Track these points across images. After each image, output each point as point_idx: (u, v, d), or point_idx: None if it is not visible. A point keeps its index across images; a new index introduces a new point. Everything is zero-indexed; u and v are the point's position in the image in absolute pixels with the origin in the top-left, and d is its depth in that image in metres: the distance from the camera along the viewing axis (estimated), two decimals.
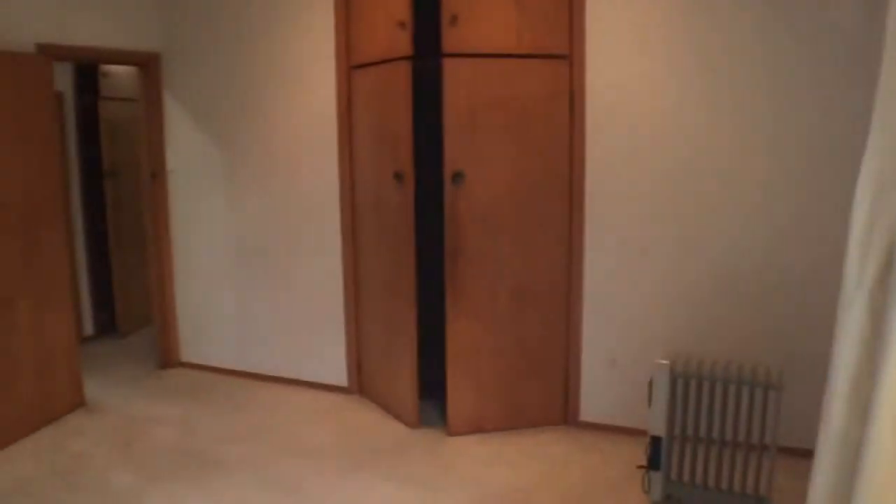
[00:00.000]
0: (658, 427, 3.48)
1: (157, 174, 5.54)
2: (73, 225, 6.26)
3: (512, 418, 4.47)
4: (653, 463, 3.53)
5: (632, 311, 4.29)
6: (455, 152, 4.20)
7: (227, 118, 5.31)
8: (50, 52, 4.61)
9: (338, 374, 5.14)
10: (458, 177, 4.19)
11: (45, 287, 4.63)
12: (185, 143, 5.50)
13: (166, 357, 5.74)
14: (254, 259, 5.35)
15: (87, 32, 4.93)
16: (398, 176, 4.32)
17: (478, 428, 4.44)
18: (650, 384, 3.47)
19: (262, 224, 5.28)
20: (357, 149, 4.85)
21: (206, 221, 5.51)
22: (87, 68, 6.36)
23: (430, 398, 4.73)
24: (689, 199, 4.09)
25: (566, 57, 4.22)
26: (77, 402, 4.91)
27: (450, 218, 4.24)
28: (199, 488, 3.88)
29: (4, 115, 4.29)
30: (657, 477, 3.53)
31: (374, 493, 3.80)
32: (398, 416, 4.67)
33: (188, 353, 5.74)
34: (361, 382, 5.11)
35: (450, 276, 4.28)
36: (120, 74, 6.59)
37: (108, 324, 6.72)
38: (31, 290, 4.52)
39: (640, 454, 3.82)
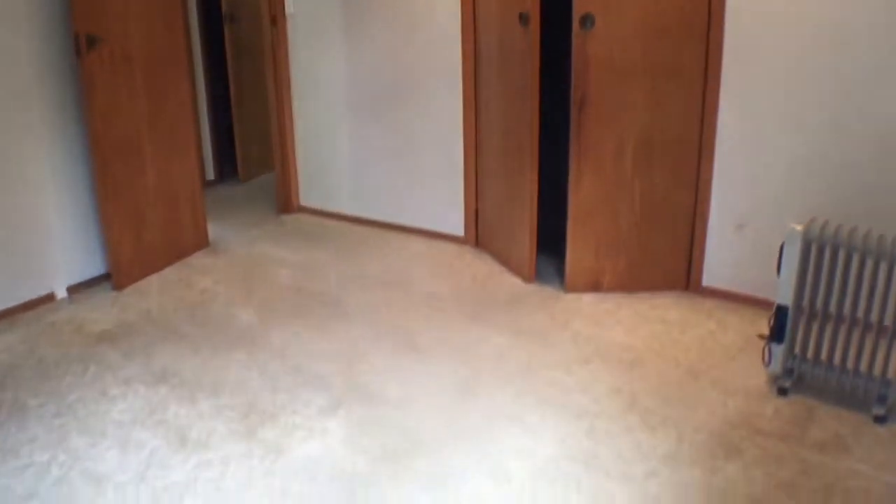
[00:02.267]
0: (785, 296, 3.28)
1: (277, 19, 5.46)
2: (195, 72, 6.30)
3: (630, 280, 4.37)
4: (775, 334, 3.35)
5: (766, 171, 4.00)
6: None
7: None
8: None
9: (455, 224, 5.12)
10: (587, 20, 3.95)
11: (170, 134, 4.71)
12: None
13: (285, 202, 5.83)
14: (373, 106, 5.29)
15: None
16: (523, 18, 4.11)
17: (595, 287, 4.36)
18: (781, 249, 3.26)
19: (382, 71, 5.18)
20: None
21: (325, 68, 5.44)
22: None
23: (548, 253, 4.67)
24: (847, 56, 3.67)
25: None
26: (201, 243, 5.06)
27: (577, 64, 4.03)
28: (318, 329, 3.97)
29: None
30: (778, 349, 3.35)
31: (486, 344, 3.80)
32: (514, 270, 4.63)
33: (307, 198, 5.82)
34: (478, 234, 5.07)
35: (575, 127, 4.11)
36: None
37: (228, 169, 6.85)
38: (157, 137, 4.61)
39: (761, 325, 3.67)
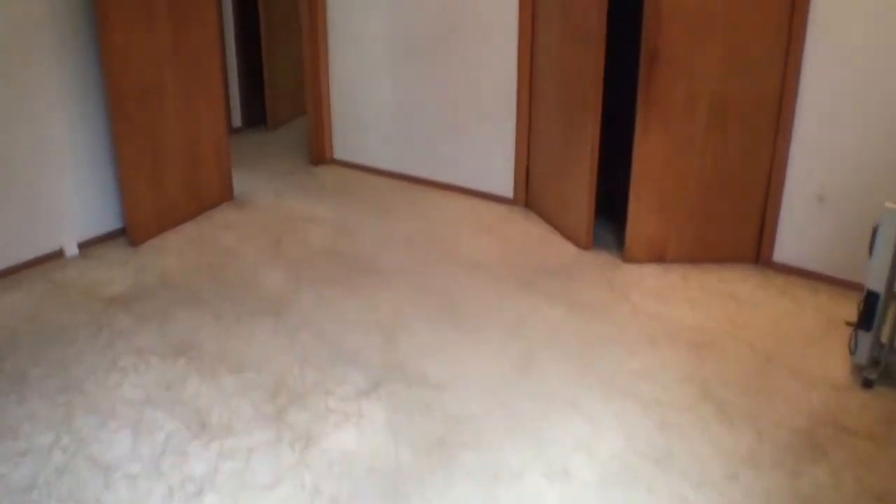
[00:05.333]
0: (877, 281, 2.89)
1: None
2: (224, 11, 5.90)
3: (696, 250, 3.95)
4: (864, 321, 2.96)
5: (853, 140, 3.54)
6: None
7: None
8: None
9: (503, 183, 4.70)
10: None
11: (194, 75, 4.31)
12: None
13: (318, 153, 5.43)
14: (416, 51, 4.84)
15: None
16: None
17: (657, 257, 3.95)
18: (874, 231, 2.86)
19: (428, 11, 4.72)
20: None
21: (364, 8, 4.99)
22: None
23: (605, 217, 4.25)
24: None
25: None
26: (226, 196, 4.68)
27: (650, 13, 3.58)
28: (353, 294, 3.60)
29: None
30: (865, 337, 2.97)
31: (538, 317, 3.41)
32: (568, 235, 4.22)
33: (341, 149, 5.41)
34: (529, 194, 4.64)
35: (644, 82, 3.67)
36: None
37: (256, 116, 6.47)
38: (180, 78, 4.21)
39: (838, 307, 3.33)
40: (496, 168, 4.68)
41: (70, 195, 3.96)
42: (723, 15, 3.59)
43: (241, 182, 4.97)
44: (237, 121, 6.31)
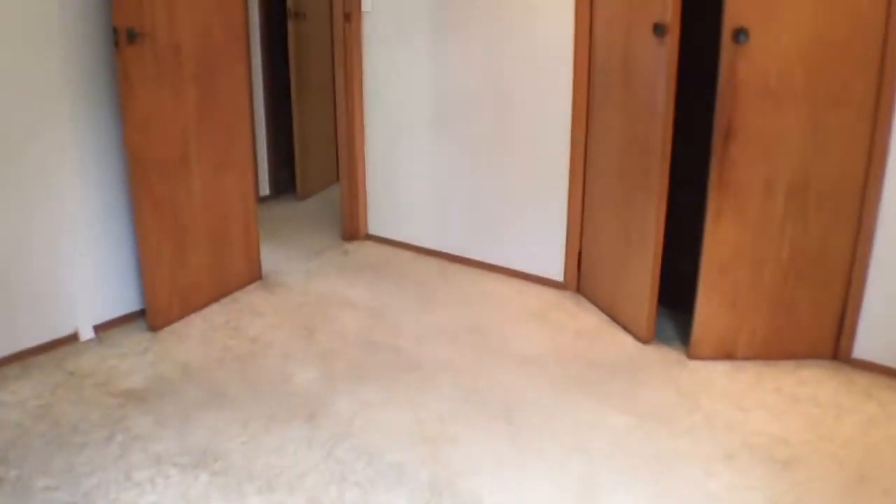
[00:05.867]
0: None
1: (352, 15, 4.76)
2: (252, 73, 5.67)
3: (769, 345, 3.57)
4: None
5: None
6: (739, 1, 3.18)
7: None
8: None
9: (552, 265, 4.34)
10: (740, 33, 3.19)
11: (222, 144, 4.02)
12: None
13: (351, 227, 5.12)
14: (457, 120, 4.55)
15: None
16: (659, 28, 3.35)
17: (726, 354, 3.57)
18: None
19: (471, 79, 4.44)
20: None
21: (403, 73, 4.72)
22: None
23: (666, 306, 3.89)
24: None
25: None
26: (253, 276, 4.36)
27: (725, 86, 3.25)
28: (394, 395, 3.24)
29: None
30: None
31: (601, 428, 3.03)
32: (626, 326, 3.86)
33: (377, 224, 5.10)
34: (581, 278, 4.28)
35: (717, 161, 3.33)
36: None
37: (285, 183, 6.19)
38: (207, 146, 3.91)
39: None
40: (545, 249, 4.34)
41: (86, 275, 3.65)
42: (803, 86, 3.26)
43: (270, 259, 4.66)
44: (265, 189, 6.03)
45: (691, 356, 3.58)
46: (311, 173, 6.15)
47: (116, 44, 3.34)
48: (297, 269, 4.62)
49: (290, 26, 5.73)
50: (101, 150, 3.62)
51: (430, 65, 4.57)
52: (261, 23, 5.76)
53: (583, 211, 4.18)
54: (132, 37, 3.38)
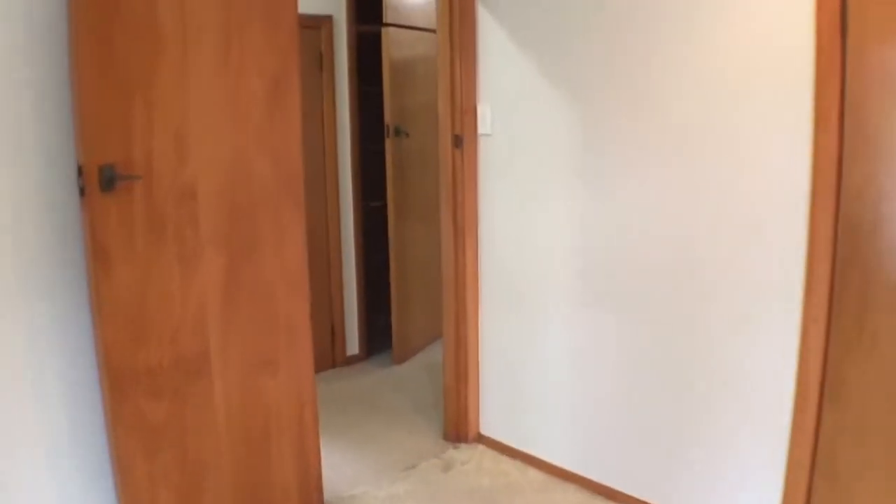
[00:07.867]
0: None
1: (464, 139, 3.48)
2: (340, 204, 4.51)
3: None
4: None
5: None
6: None
7: (583, 55, 3.07)
8: None
9: None
10: None
11: (263, 333, 2.71)
12: (508, 95, 3.38)
13: (457, 423, 3.71)
14: (616, 295, 3.08)
15: None
16: None
17: None
18: None
19: (639, 236, 3.00)
20: (861, 116, 2.38)
21: (533, 222, 3.34)
22: None
23: None
24: None
25: None
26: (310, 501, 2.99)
27: None
28: None
29: None
30: None
31: None
32: None
33: (492, 420, 3.67)
34: None
35: None
36: None
37: (379, 339, 4.93)
38: (234, 338, 2.61)
39: None
40: (752, 491, 2.79)
41: None
42: None
43: (339, 472, 3.32)
44: (353, 346, 4.76)
45: None
46: (412, 329, 4.84)
47: (82, 192, 2.13)
48: (375, 497, 3.20)
49: (388, 146, 4.53)
50: (71, 352, 2.38)
51: (572, 212, 3.18)
52: (352, 143, 4.59)
53: (814, 450, 2.61)
54: (110, 180, 2.16)
